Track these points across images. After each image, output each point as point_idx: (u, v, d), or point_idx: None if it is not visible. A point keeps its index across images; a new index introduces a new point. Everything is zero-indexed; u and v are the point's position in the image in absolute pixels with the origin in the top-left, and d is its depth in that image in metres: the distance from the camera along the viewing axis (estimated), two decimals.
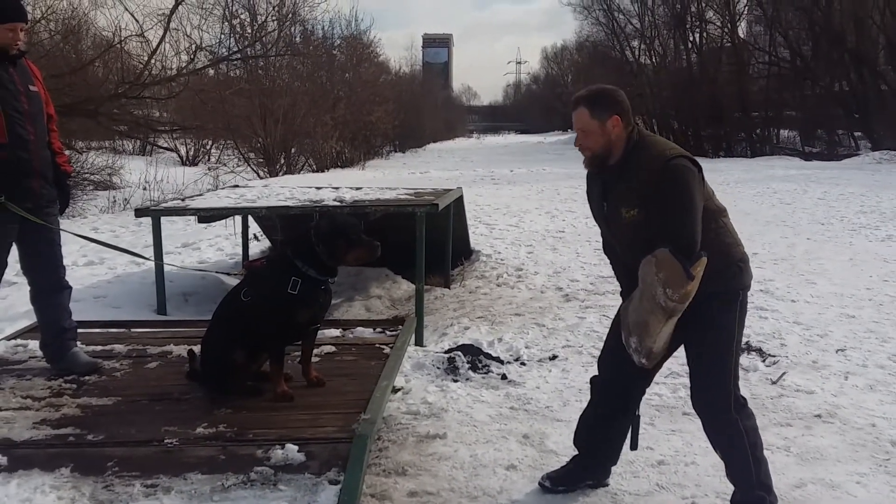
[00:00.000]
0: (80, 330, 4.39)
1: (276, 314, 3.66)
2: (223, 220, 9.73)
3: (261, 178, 20.45)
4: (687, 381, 4.59)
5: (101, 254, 8.81)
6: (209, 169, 22.02)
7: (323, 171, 24.56)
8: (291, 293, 3.63)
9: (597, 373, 3.67)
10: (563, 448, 4.07)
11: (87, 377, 4.01)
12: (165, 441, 3.16)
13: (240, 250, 9.29)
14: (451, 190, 8.30)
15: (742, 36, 38.29)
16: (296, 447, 3.04)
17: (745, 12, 39.30)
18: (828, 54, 32.79)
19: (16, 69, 3.97)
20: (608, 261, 3.65)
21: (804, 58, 34.68)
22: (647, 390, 4.48)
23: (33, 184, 4.03)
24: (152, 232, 6.80)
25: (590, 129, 3.18)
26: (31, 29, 13.49)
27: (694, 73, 38.16)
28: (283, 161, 23.46)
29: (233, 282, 5.80)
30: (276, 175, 21.60)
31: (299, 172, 23.66)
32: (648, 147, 3.17)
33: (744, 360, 5.50)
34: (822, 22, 32.21)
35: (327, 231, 3.73)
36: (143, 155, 26.01)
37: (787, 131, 35.82)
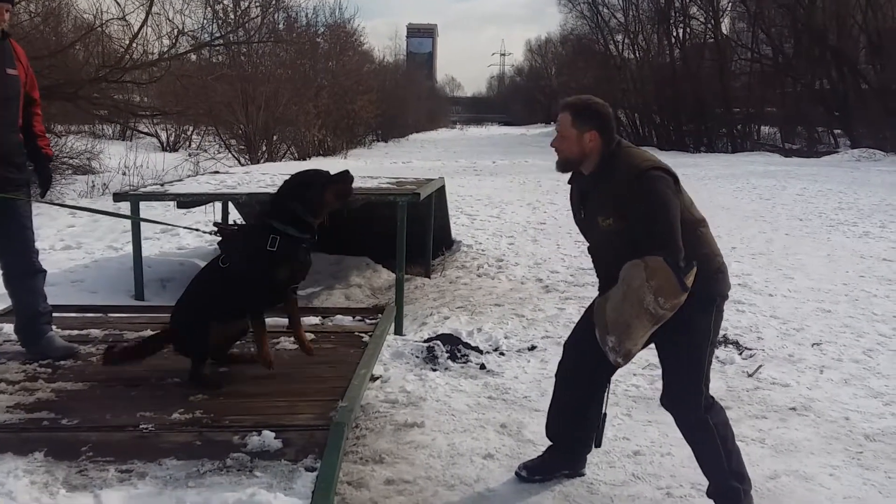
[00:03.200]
0: (56, 314, 4.33)
1: (257, 273, 3.62)
2: (203, 207, 9.66)
3: (242, 165, 20.30)
4: None
5: (79, 238, 8.72)
6: (190, 155, 21.85)
7: (305, 159, 24.41)
8: (270, 250, 3.59)
9: (562, 357, 3.68)
10: (540, 438, 4.07)
11: (62, 362, 3.96)
12: (141, 426, 3.12)
13: (220, 237, 9.22)
14: (432, 180, 8.28)
15: (725, 32, 38.49)
16: (273, 434, 3.02)
17: (729, 9, 39.53)
18: (809, 52, 33.03)
19: None
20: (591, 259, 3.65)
21: (786, 55, 34.91)
22: (625, 381, 4.51)
23: None
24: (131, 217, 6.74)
25: (568, 135, 3.28)
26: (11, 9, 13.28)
27: (677, 69, 38.34)
28: (264, 148, 23.29)
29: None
30: (258, 162, 21.44)
31: (281, 160, 23.51)
32: (625, 158, 3.23)
33: (721, 352, 5.54)
34: (805, 20, 32.42)
35: (297, 186, 3.71)
36: (123, 140, 25.70)
37: (768, 128, 36.09)
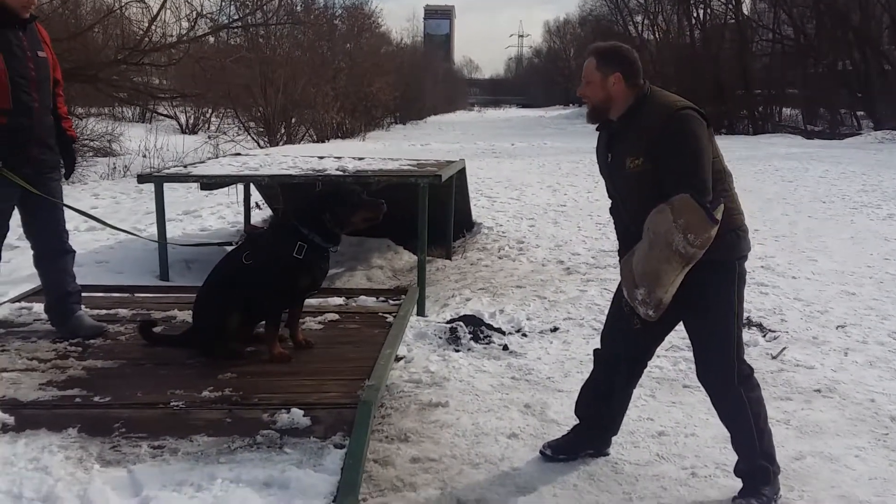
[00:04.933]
0: (83, 294, 4.38)
1: (280, 278, 3.71)
2: (225, 188, 9.71)
3: (261, 148, 20.35)
4: (687, 353, 4.64)
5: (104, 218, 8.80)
6: (209, 137, 21.92)
7: (323, 142, 24.42)
8: (297, 257, 3.68)
9: (599, 346, 3.70)
10: (564, 418, 4.10)
11: (91, 340, 4.01)
12: (171, 404, 3.16)
13: (241, 218, 9.29)
14: (453, 161, 8.28)
15: (746, 13, 38.02)
16: (301, 412, 3.05)
17: None
18: (831, 33, 32.61)
19: (25, 34, 3.92)
20: (613, 225, 3.63)
21: (808, 36, 34.48)
22: (649, 363, 4.52)
23: (33, 151, 4.00)
24: (155, 199, 6.80)
25: (592, 79, 3.27)
26: None
27: (697, 50, 37.93)
28: (283, 131, 23.35)
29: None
30: (277, 145, 21.50)
31: (300, 142, 23.54)
32: (657, 99, 3.21)
33: (744, 334, 5.51)
34: (827, 0, 31.97)
35: (331, 198, 3.80)
36: (143, 122, 25.87)
37: (790, 109, 35.69)
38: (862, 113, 31.44)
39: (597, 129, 3.44)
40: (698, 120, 3.11)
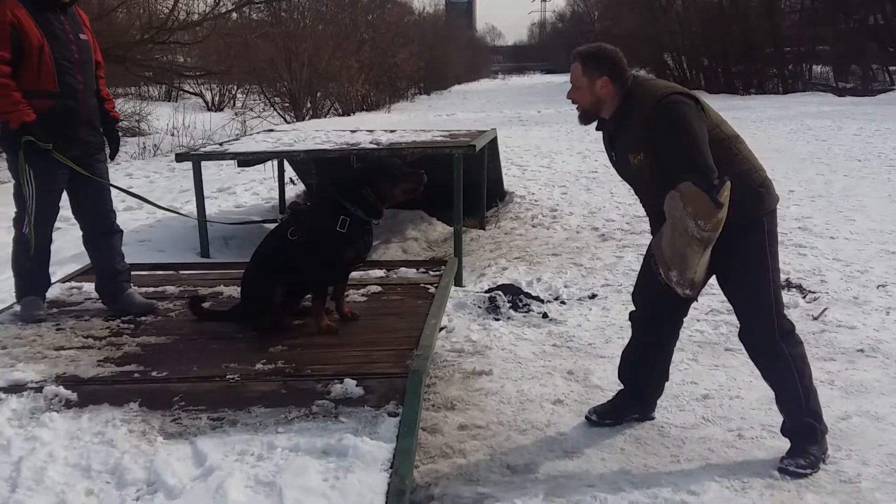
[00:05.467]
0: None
1: (324, 252, 3.77)
2: (258, 165, 9.78)
3: (287, 123, 20.40)
4: (728, 317, 4.67)
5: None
6: (236, 114, 21.98)
7: (349, 115, 24.44)
8: (340, 231, 3.73)
9: (633, 308, 3.73)
10: (607, 383, 4.14)
11: (143, 317, 4.11)
12: (227, 377, 3.25)
13: (275, 194, 9.36)
14: (485, 131, 8.27)
15: None
16: (354, 381, 3.12)
17: None
18: None
19: (66, 17, 3.99)
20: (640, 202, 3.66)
21: None
22: (689, 327, 4.53)
23: (80, 132, 4.08)
24: (193, 177, 6.88)
25: (579, 84, 3.33)
26: None
27: (724, 8, 37.18)
28: (309, 105, 23.38)
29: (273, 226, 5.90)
30: (303, 119, 21.53)
31: (325, 116, 23.58)
32: (642, 91, 3.26)
33: (784, 296, 5.49)
34: None
35: (372, 173, 3.86)
36: (169, 101, 25.98)
37: (820, 67, 34.99)
38: (894, 68, 30.74)
39: (597, 129, 3.49)
40: (685, 103, 3.14)
